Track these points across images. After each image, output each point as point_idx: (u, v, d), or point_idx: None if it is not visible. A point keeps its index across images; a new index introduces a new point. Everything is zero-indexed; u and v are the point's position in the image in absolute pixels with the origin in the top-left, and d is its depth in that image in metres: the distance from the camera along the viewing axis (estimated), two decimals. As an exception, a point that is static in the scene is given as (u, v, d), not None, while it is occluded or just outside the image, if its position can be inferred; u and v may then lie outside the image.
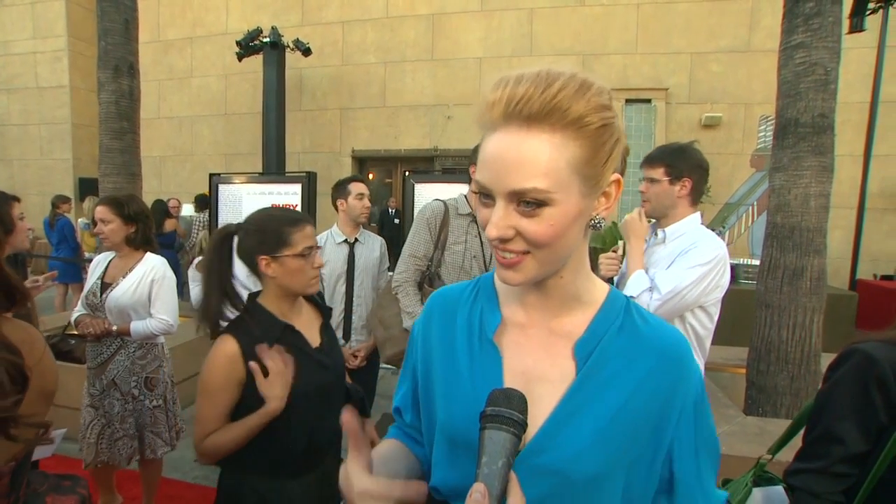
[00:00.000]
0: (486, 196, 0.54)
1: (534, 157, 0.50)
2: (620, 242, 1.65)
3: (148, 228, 1.99)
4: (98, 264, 2.04)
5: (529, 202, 0.51)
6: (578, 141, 0.51)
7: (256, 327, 1.15)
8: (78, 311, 2.02)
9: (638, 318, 0.62)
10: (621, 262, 1.64)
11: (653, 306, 1.38)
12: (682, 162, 1.50)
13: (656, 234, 1.58)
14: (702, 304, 1.44)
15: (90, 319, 1.92)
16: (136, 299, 1.93)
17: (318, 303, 1.35)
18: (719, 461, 0.63)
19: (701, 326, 1.47)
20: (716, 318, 1.49)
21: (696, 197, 1.53)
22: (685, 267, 1.41)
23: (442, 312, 0.70)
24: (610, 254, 1.63)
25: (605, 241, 3.97)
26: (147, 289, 1.94)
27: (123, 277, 1.94)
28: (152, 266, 1.97)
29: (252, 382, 1.12)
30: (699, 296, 1.41)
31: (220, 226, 2.70)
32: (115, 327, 1.91)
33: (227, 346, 1.13)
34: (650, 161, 1.54)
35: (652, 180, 1.53)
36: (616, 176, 0.56)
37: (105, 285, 1.96)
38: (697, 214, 1.54)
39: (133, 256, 1.99)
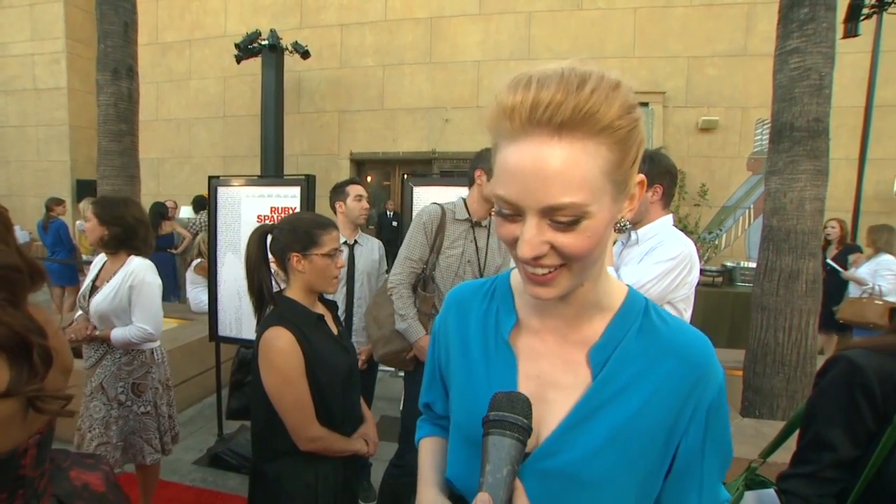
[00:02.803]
0: (511, 211, 0.50)
1: (569, 168, 0.46)
2: None
3: (123, 233, 1.91)
4: (95, 266, 2.03)
5: (566, 218, 0.47)
6: (609, 146, 0.47)
7: (295, 317, 1.27)
8: (79, 312, 2.02)
9: (657, 320, 0.59)
10: None
11: None
12: (652, 169, 1.56)
13: (630, 237, 1.65)
14: (669, 300, 1.49)
15: (75, 324, 1.91)
16: (116, 305, 1.87)
17: (324, 299, 1.47)
18: (729, 465, 0.61)
19: None
20: (686, 314, 1.54)
21: (668, 200, 1.59)
22: (650, 263, 1.47)
23: (458, 309, 0.70)
24: None
25: None
26: (126, 295, 1.88)
27: (107, 282, 1.91)
28: (131, 271, 1.89)
29: (308, 367, 1.23)
30: (664, 291, 1.46)
31: (218, 228, 2.71)
32: (97, 332, 1.88)
33: (287, 336, 1.22)
34: None
35: None
36: (641, 177, 0.53)
37: (95, 289, 1.94)
38: (669, 217, 1.60)
39: (119, 259, 1.93)
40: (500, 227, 0.52)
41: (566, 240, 0.48)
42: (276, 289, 1.37)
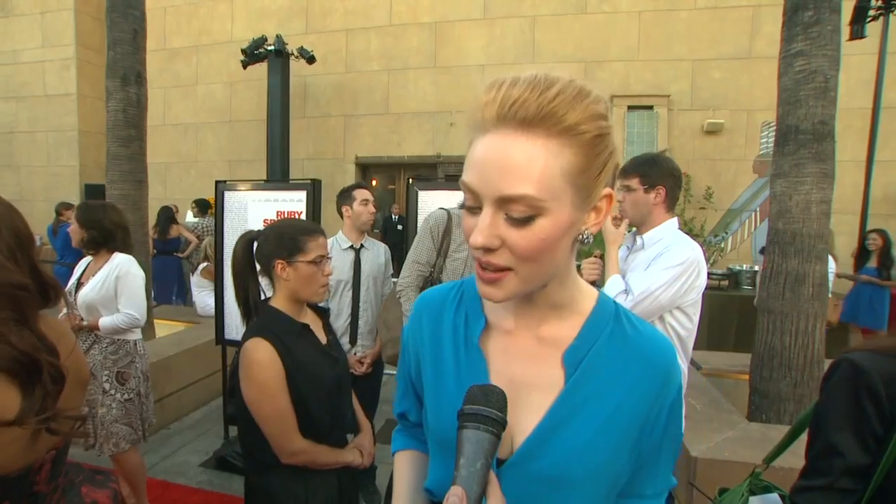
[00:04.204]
0: (471, 205, 0.51)
1: (527, 162, 0.47)
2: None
3: (100, 236, 2.07)
4: (81, 266, 2.18)
5: (520, 212, 0.48)
6: (573, 149, 0.48)
7: (277, 327, 1.23)
8: (64, 310, 2.14)
9: (627, 325, 0.61)
10: (602, 267, 1.69)
11: (627, 308, 1.43)
12: (654, 171, 1.56)
13: (635, 242, 1.63)
14: (678, 305, 1.48)
15: (64, 316, 2.06)
16: (103, 295, 2.04)
17: (315, 306, 1.44)
18: (679, 451, 0.66)
19: (681, 327, 1.51)
20: (695, 318, 1.53)
21: (671, 204, 1.59)
22: (658, 269, 1.46)
23: (430, 315, 0.70)
24: (591, 259, 1.68)
25: (591, 249, 3.99)
26: (113, 285, 2.04)
27: (93, 276, 2.07)
28: (117, 264, 2.07)
29: (289, 379, 1.19)
30: (674, 297, 1.44)
31: (225, 232, 2.74)
32: (85, 322, 2.03)
33: (266, 348, 1.18)
34: (625, 171, 1.60)
35: (628, 189, 1.58)
36: (608, 190, 0.54)
37: (80, 285, 2.09)
38: (674, 220, 1.59)
39: (102, 258, 2.10)
40: (465, 220, 0.54)
41: (518, 237, 0.49)
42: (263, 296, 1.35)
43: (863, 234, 4.72)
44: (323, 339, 1.36)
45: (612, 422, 0.57)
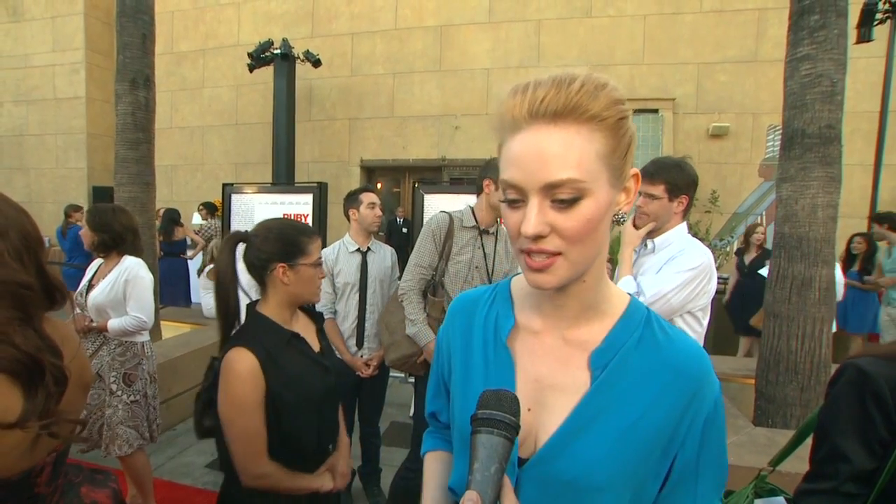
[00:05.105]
0: (514, 199, 0.54)
1: (566, 149, 0.50)
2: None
3: (111, 239, 2.11)
4: (92, 268, 2.22)
5: (565, 197, 0.51)
6: (602, 133, 0.52)
7: (264, 336, 1.15)
8: (76, 311, 2.18)
9: (658, 331, 0.61)
10: (612, 271, 1.68)
11: None
12: (681, 179, 1.54)
13: (646, 245, 1.62)
14: (689, 309, 1.47)
15: (74, 318, 2.09)
16: (112, 298, 2.07)
17: (309, 310, 1.37)
18: (725, 481, 0.61)
19: (690, 331, 1.50)
20: (705, 323, 1.53)
21: (687, 210, 1.58)
22: (671, 272, 1.45)
23: (462, 316, 0.71)
24: None
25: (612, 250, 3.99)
26: (122, 288, 2.08)
27: (103, 279, 2.10)
28: (126, 268, 2.10)
29: (269, 394, 1.11)
30: (685, 300, 1.44)
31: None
32: (94, 324, 2.07)
33: (248, 359, 1.10)
34: (651, 177, 1.55)
35: (652, 196, 1.55)
36: (635, 170, 0.57)
37: (91, 287, 2.13)
38: (684, 224, 1.59)
39: (112, 260, 2.14)
40: (507, 216, 0.56)
41: (566, 220, 0.52)
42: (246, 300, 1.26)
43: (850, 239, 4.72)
44: (316, 346, 1.29)
45: (636, 428, 0.56)
